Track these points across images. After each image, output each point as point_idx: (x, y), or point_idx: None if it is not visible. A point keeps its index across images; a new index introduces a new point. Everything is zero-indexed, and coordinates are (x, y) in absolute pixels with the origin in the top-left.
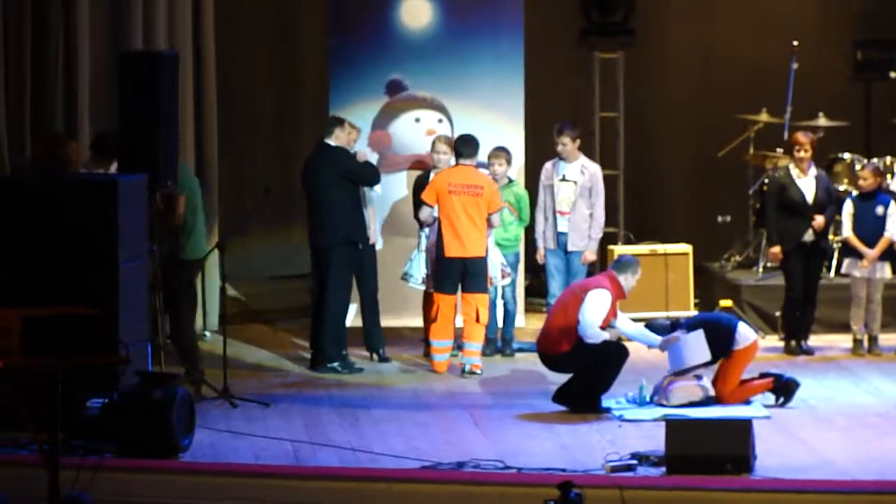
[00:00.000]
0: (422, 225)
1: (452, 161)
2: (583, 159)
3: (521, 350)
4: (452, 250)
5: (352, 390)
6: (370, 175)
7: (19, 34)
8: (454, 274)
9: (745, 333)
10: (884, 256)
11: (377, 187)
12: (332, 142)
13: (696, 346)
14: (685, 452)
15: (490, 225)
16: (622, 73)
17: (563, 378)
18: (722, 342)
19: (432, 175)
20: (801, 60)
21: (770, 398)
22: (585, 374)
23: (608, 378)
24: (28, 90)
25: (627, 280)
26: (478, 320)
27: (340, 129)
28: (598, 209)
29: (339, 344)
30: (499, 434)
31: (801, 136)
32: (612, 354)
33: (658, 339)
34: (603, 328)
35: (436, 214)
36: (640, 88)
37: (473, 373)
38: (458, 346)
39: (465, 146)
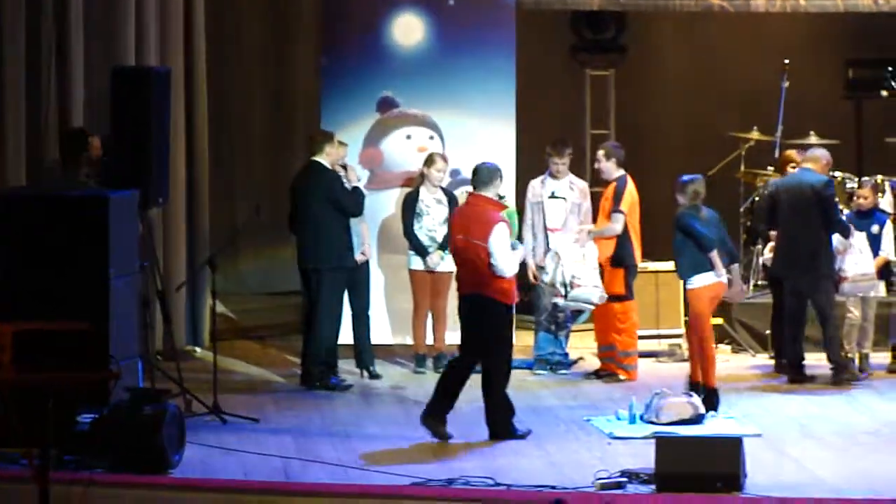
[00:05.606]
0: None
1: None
2: (570, 176)
3: (516, 367)
4: (637, 259)
5: (342, 407)
6: (355, 206)
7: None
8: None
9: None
10: (879, 275)
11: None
12: (322, 160)
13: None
14: (675, 470)
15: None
16: (613, 90)
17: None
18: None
19: (422, 191)
20: (793, 79)
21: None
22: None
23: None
24: (22, 96)
25: (497, 189)
26: None
27: (330, 145)
28: (587, 226)
29: (329, 364)
30: (488, 451)
31: (794, 154)
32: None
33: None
34: None
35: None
36: (631, 106)
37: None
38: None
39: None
